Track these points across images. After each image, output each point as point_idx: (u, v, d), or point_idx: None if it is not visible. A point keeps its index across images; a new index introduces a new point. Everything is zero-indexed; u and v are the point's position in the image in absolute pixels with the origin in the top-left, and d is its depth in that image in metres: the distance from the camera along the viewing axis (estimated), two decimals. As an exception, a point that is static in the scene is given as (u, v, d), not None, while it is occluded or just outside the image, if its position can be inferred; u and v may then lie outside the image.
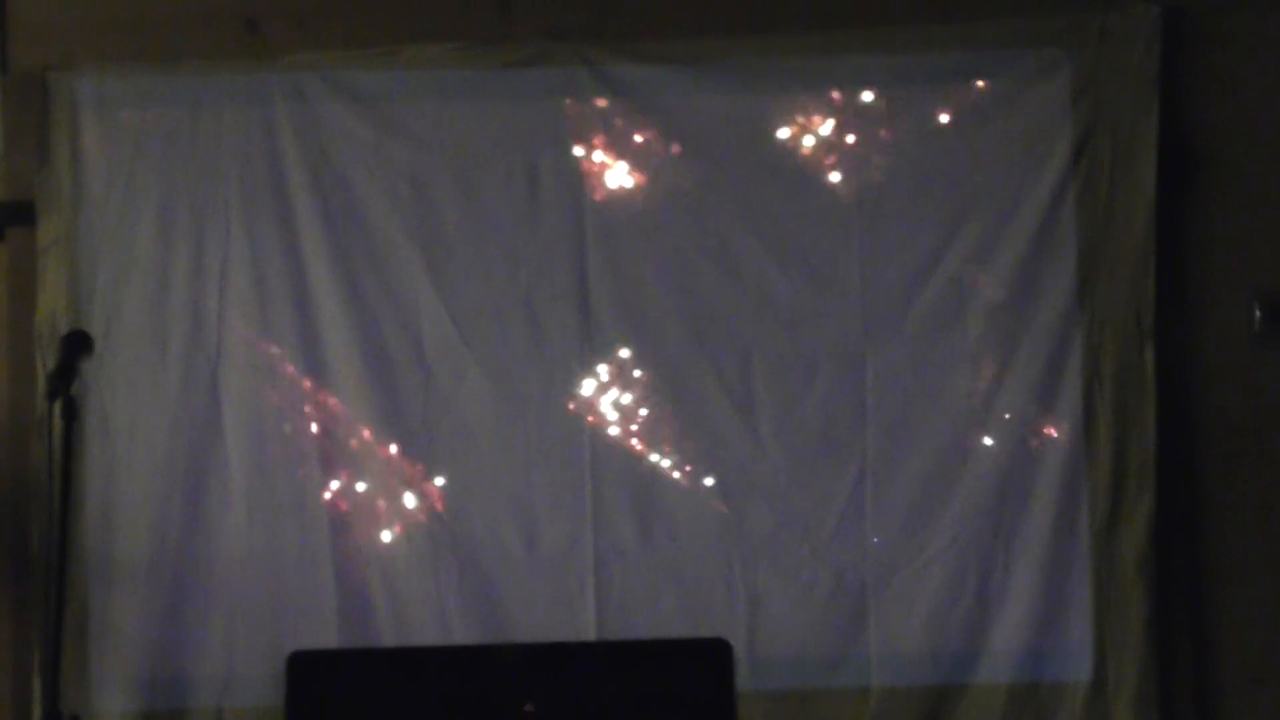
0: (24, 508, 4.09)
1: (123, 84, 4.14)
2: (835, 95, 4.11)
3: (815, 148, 4.11)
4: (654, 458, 4.08)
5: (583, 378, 4.10)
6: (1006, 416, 4.05)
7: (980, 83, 4.10)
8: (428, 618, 4.05)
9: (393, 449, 4.09)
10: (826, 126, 4.11)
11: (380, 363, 4.10)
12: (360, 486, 4.10)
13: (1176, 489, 4.06)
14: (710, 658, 2.86)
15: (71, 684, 3.95)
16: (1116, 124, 4.07)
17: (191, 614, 4.07)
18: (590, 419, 4.09)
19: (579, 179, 4.12)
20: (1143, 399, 4.03)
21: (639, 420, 4.09)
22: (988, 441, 4.05)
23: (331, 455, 4.09)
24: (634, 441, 4.09)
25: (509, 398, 4.10)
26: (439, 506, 4.09)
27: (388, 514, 4.08)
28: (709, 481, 4.08)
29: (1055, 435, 4.05)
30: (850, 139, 4.11)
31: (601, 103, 4.12)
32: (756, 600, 4.06)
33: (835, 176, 4.11)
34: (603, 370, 4.10)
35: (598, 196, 4.12)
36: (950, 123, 4.09)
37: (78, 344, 3.64)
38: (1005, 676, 4.03)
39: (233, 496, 4.08)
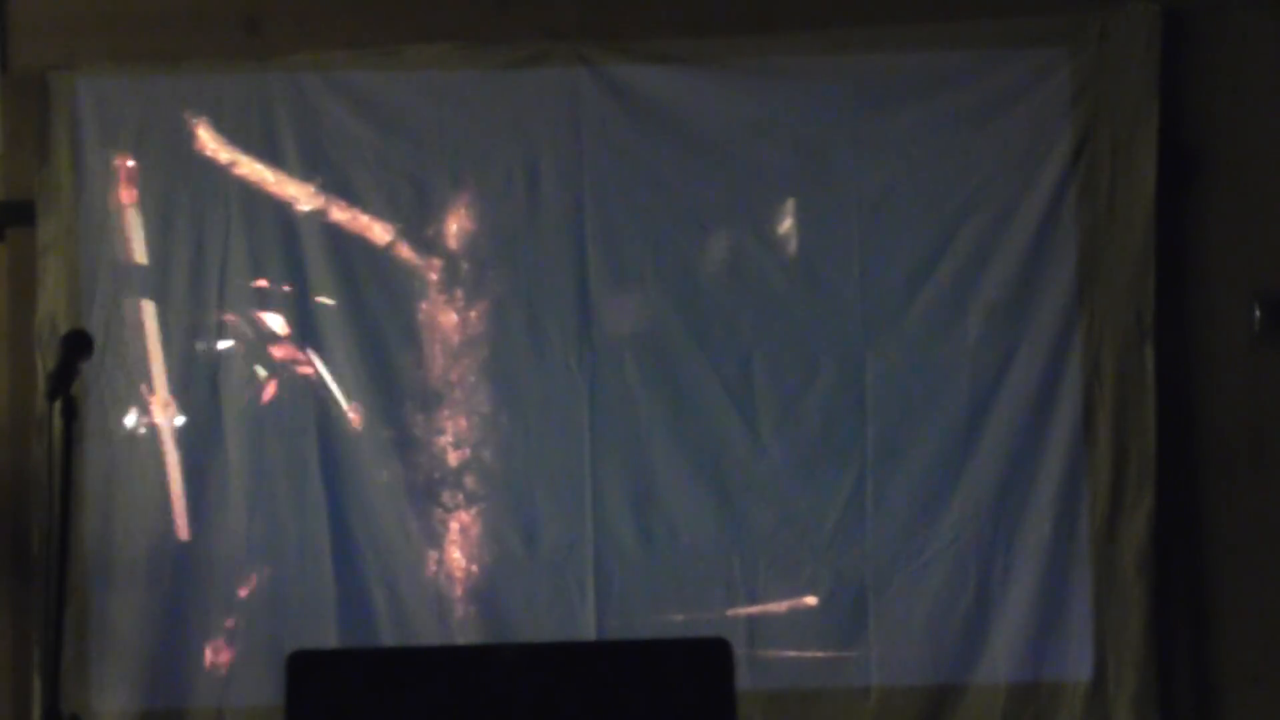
0: (24, 508, 4.09)
1: (123, 84, 4.13)
2: (835, 94, 4.11)
3: (815, 147, 4.11)
4: (654, 458, 4.08)
5: (583, 378, 4.10)
6: (1006, 416, 4.05)
7: (980, 83, 4.10)
8: (428, 618, 4.06)
9: (393, 449, 4.09)
10: (826, 126, 4.11)
11: (380, 363, 4.10)
12: (360, 486, 4.10)
13: (1176, 489, 4.06)
14: (710, 658, 2.86)
15: (71, 684, 3.96)
16: (1116, 124, 4.07)
17: (191, 614, 4.08)
18: (590, 418, 4.09)
19: (579, 179, 4.12)
20: (1143, 399, 4.03)
21: (639, 420, 4.09)
22: (987, 441, 4.05)
23: (331, 455, 4.09)
24: (634, 441, 4.09)
25: (509, 398, 4.10)
26: (438, 506, 4.09)
27: (387, 513, 4.08)
28: (709, 481, 4.08)
29: (1055, 435, 4.05)
30: (850, 138, 4.11)
31: (601, 102, 4.12)
32: (756, 600, 4.06)
33: (835, 176, 4.11)
34: (603, 370, 4.10)
35: (597, 196, 4.12)
36: (950, 123, 4.09)
37: (78, 344, 3.64)
38: (1005, 676, 4.03)
39: (233, 496, 4.09)
